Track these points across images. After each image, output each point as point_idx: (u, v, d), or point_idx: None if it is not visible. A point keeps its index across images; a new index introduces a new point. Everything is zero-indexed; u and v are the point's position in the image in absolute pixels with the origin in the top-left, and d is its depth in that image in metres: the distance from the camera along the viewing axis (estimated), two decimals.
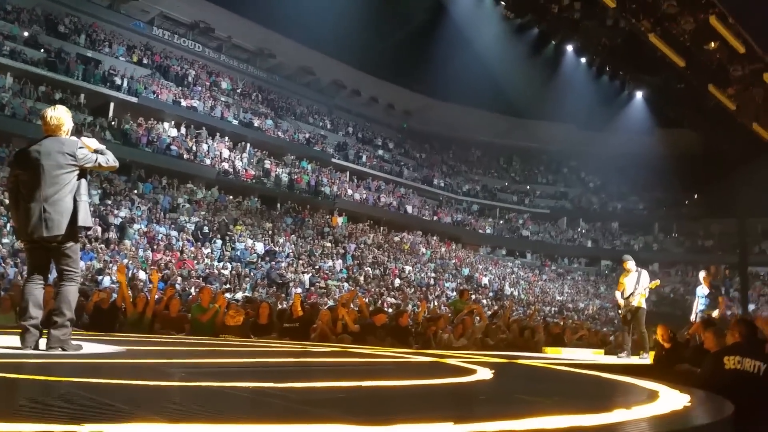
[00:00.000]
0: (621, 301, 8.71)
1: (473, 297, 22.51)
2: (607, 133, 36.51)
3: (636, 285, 8.52)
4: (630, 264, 8.78)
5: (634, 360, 8.15)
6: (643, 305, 8.60)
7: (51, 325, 3.89)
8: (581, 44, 18.38)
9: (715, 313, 9.26)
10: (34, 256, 4.03)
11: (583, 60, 20.62)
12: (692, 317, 9.49)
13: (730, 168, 25.67)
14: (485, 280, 28.77)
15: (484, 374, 3.95)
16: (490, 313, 12.48)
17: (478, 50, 27.57)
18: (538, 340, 10.15)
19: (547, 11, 16.29)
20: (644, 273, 8.67)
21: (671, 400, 2.91)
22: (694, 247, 37.98)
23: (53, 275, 4.22)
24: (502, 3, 17.27)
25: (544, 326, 11.67)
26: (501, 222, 38.72)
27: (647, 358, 8.30)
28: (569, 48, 19.60)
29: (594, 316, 27.60)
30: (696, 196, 39.43)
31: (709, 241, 38.05)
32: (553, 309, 27.42)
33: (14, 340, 3.98)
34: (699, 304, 9.42)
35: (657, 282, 8.73)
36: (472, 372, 4.03)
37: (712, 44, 15.23)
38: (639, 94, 24.99)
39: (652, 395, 3.10)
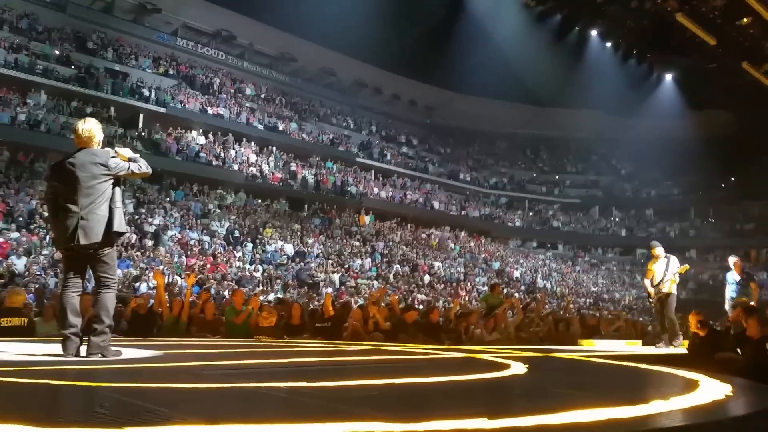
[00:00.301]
0: (651, 289, 8.50)
1: (505, 291, 22.30)
2: (637, 118, 35.68)
3: (665, 271, 8.33)
4: (658, 250, 8.56)
5: (672, 350, 7.92)
6: (674, 291, 8.39)
7: (91, 332, 4.00)
8: (606, 28, 18.05)
9: (752, 302, 8.86)
10: (71, 264, 4.15)
11: (609, 44, 20.22)
12: (726, 306, 9.13)
13: (767, 147, 24.81)
14: (517, 274, 28.47)
15: (518, 369, 3.91)
16: (521, 306, 12.33)
17: (499, 41, 27.28)
18: (573, 333, 10.01)
19: None
20: (673, 258, 8.45)
21: (711, 389, 2.84)
22: (733, 231, 36.82)
23: (91, 284, 4.35)
24: None
25: (579, 318, 11.50)
26: (530, 214, 38.24)
27: (680, 347, 8.08)
28: (593, 33, 19.25)
29: (631, 306, 27.02)
30: (732, 179, 38.23)
31: (750, 225, 36.84)
32: (588, 300, 26.97)
33: (57, 348, 4.11)
34: (730, 291, 9.06)
35: (686, 267, 8.48)
36: (506, 367, 3.99)
37: (745, 20, 14.76)
38: (668, 77, 24.42)
39: (692, 385, 3.03)
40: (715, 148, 33.68)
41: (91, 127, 4.15)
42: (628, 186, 40.53)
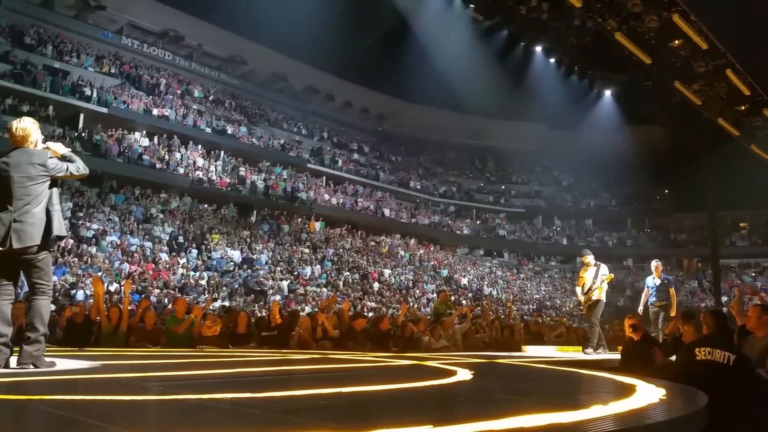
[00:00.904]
0: (581, 297, 8.71)
1: (453, 298, 22.62)
2: (578, 132, 37.09)
3: (594, 279, 8.53)
4: (589, 258, 8.76)
5: (598, 355, 8.12)
6: (603, 299, 8.58)
7: (23, 341, 3.80)
8: (550, 45, 18.64)
9: (671, 309, 9.00)
10: (2, 269, 3.93)
11: (552, 60, 20.92)
12: (640, 308, 9.33)
13: (697, 163, 26.30)
14: (464, 281, 28.95)
15: (464, 375, 3.97)
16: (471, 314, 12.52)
17: (449, 53, 27.79)
18: (518, 339, 10.26)
19: (516, 13, 16.49)
20: (603, 266, 8.66)
21: (647, 393, 2.97)
22: (667, 242, 38.83)
23: (24, 291, 4.13)
24: (471, 6, 17.42)
25: (524, 325, 11.80)
26: (478, 222, 39.03)
27: (592, 353, 8.30)
28: (538, 49, 19.86)
29: (572, 313, 27.96)
30: (666, 191, 40.35)
31: (681, 235, 38.95)
32: (531, 307, 27.71)
33: None
34: (649, 295, 9.24)
35: (611, 276, 8.62)
36: (453, 373, 4.05)
37: (677, 41, 15.61)
38: (608, 93, 25.43)
39: (629, 390, 3.16)
40: (650, 162, 35.46)
41: (26, 126, 3.96)
42: (569, 197, 42.07)
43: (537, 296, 31.02)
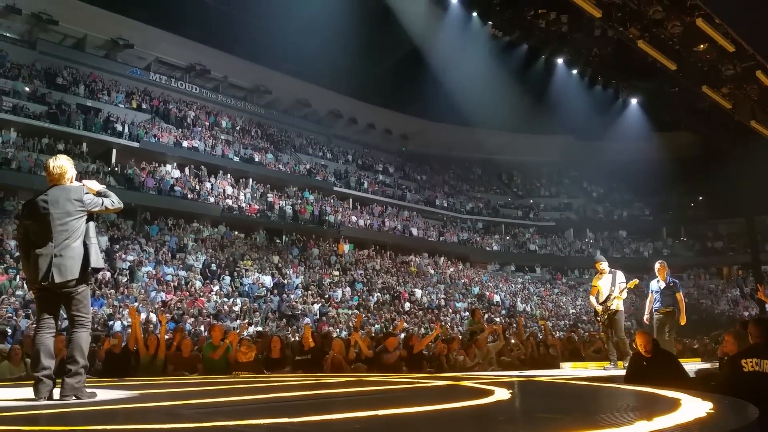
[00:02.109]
0: (598, 307, 8.07)
1: (486, 316, 22.32)
2: (606, 142, 36.63)
3: (611, 287, 7.92)
4: (603, 265, 8.16)
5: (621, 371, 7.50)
6: (621, 308, 7.95)
7: (65, 373, 3.88)
8: (571, 56, 18.58)
9: (679, 316, 8.12)
10: (44, 304, 4.05)
11: (575, 71, 20.82)
12: (645, 316, 8.50)
13: (731, 167, 25.63)
14: (497, 298, 28.55)
15: (502, 394, 3.90)
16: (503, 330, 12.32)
17: (470, 70, 27.91)
18: (555, 356, 10.03)
19: (535, 27, 16.51)
20: (619, 273, 8.04)
21: (693, 407, 2.87)
22: (704, 250, 37.71)
23: (64, 324, 4.24)
24: (489, 23, 17.51)
25: (560, 341, 11.55)
26: (507, 238, 38.60)
27: (612, 368, 7.68)
28: (560, 61, 19.81)
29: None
30: (701, 198, 39.33)
31: (719, 242, 37.82)
32: (567, 322, 27.12)
33: (27, 392, 3.96)
34: (654, 301, 8.35)
35: (635, 281, 7.95)
36: (490, 393, 3.98)
37: (702, 46, 15.36)
38: (634, 101, 25.13)
39: (674, 404, 3.06)
40: (682, 169, 34.71)
41: (62, 164, 4.10)
42: (600, 208, 41.34)
43: (573, 311, 30.37)
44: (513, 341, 10.19)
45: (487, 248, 36.38)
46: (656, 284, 8.36)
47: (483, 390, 4.24)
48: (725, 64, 15.99)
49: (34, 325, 4.13)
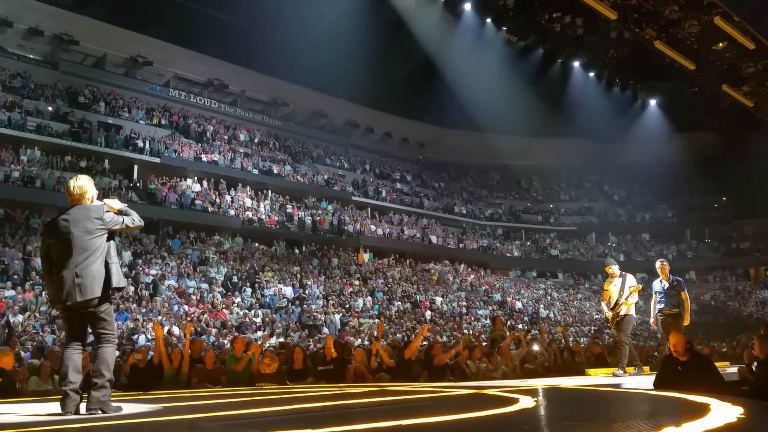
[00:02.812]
0: (608, 313, 7.76)
1: (508, 323, 22.10)
2: (626, 144, 36.18)
3: (621, 291, 7.61)
4: (613, 268, 7.86)
5: (640, 377, 7.23)
6: (632, 312, 7.64)
7: (91, 387, 3.93)
8: (588, 59, 18.47)
9: (683, 317, 7.65)
10: (70, 322, 4.11)
11: (592, 74, 20.67)
12: (651, 319, 8.12)
13: (756, 165, 25.12)
14: (519, 305, 28.27)
15: (527, 403, 3.85)
16: (529, 338, 12.19)
17: (485, 76, 27.87)
18: (580, 362, 9.88)
19: (550, 30, 16.44)
20: (629, 277, 7.76)
21: (723, 413, 2.80)
22: (730, 251, 36.90)
23: (91, 339, 4.29)
24: (504, 28, 17.48)
25: (585, 347, 11.38)
26: (528, 243, 38.25)
27: (623, 375, 7.42)
28: (576, 64, 19.69)
29: (635, 333, 26.78)
30: (725, 198, 38.57)
31: (745, 243, 36.97)
32: (592, 328, 26.72)
33: (54, 407, 4.03)
34: (657, 302, 7.92)
35: (638, 287, 7.63)
36: (514, 401, 3.93)
37: (720, 44, 15.14)
38: (653, 102, 24.85)
39: (703, 409, 2.99)
40: (704, 169, 34.10)
41: (82, 184, 4.17)
42: (622, 211, 40.77)
43: (597, 316, 29.90)
44: (536, 348, 10.06)
45: (508, 254, 36.08)
46: (659, 284, 7.94)
47: (507, 398, 4.20)
48: (745, 61, 15.75)
49: (61, 342, 4.20)
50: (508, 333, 11.31)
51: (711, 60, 15.75)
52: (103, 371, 3.96)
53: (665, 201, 39.75)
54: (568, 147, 39.97)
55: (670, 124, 29.08)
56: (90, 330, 4.15)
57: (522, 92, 28.61)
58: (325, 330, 17.69)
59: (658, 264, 8.02)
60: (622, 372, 7.52)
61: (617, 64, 18.23)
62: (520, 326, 22.72)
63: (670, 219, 39.41)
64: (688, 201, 38.89)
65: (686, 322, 7.63)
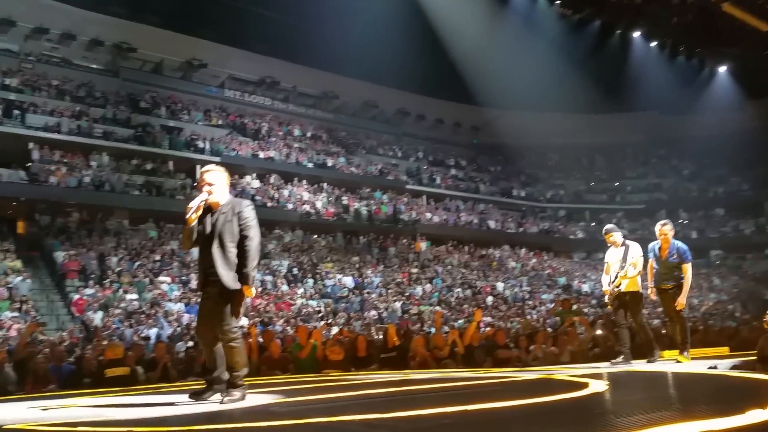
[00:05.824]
0: (606, 288, 6.61)
1: (575, 306, 21.52)
2: (694, 115, 34.28)
3: (622, 263, 6.40)
4: (615, 236, 6.54)
5: (629, 365, 6.23)
6: (637, 288, 6.44)
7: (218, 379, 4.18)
8: (648, 28, 17.61)
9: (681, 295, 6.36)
10: (203, 309, 4.31)
11: (653, 44, 19.67)
12: (649, 289, 6.69)
13: None
14: (585, 288, 27.47)
15: (598, 387, 3.74)
16: (591, 320, 11.84)
17: (539, 52, 27.05)
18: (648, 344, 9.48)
19: (606, 2, 15.76)
20: (634, 246, 6.49)
21: None
22: None
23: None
24: (557, 2, 16.88)
25: (656, 328, 10.92)
26: (593, 224, 36.95)
27: (657, 360, 6.47)
28: (636, 34, 18.79)
29: (711, 312, 25.49)
30: None
31: None
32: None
33: (180, 397, 4.22)
34: (653, 268, 6.64)
35: (637, 261, 6.38)
36: (584, 386, 3.82)
37: None
38: (722, 69, 23.44)
39: None
40: None
41: (214, 174, 4.44)
42: (693, 186, 38.66)
43: None
44: (599, 332, 9.74)
45: (571, 236, 35.07)
46: (657, 249, 6.57)
47: (577, 383, 4.09)
48: None
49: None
50: (575, 318, 11.01)
51: None
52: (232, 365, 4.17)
53: (739, 173, 37.33)
54: (632, 122, 38.22)
55: (742, 91, 27.34)
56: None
57: (579, 68, 27.60)
58: (390, 318, 17.83)
59: (657, 227, 6.60)
60: (620, 359, 6.55)
61: (681, 32, 17.28)
62: (586, 310, 22.08)
63: (745, 192, 37.00)
64: (764, 171, 36.37)
65: (681, 304, 6.42)
